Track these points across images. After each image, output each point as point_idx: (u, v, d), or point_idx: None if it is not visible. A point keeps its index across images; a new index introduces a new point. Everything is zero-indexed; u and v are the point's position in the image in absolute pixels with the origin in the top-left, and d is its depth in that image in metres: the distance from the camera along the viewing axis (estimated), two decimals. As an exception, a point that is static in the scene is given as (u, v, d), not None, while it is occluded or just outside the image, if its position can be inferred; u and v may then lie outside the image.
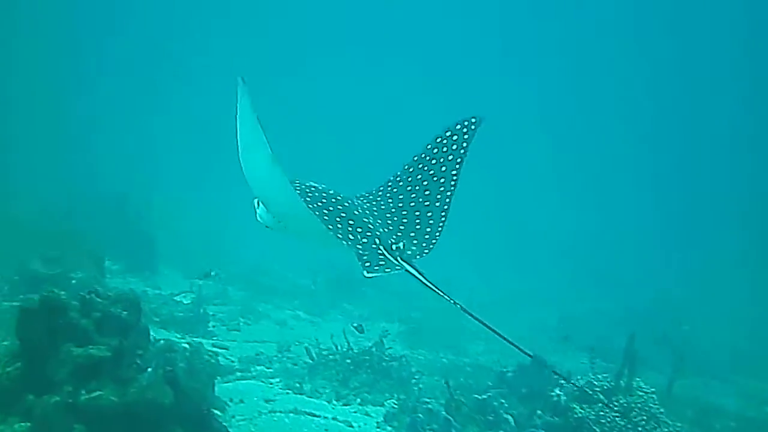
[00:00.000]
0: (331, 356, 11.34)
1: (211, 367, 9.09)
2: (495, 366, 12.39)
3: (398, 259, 5.95)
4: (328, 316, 16.80)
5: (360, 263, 5.89)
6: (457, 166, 6.58)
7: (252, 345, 12.80)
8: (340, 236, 6.04)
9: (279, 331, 14.52)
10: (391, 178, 6.83)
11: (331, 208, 6.18)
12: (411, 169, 6.74)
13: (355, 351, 11.34)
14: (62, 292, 6.09)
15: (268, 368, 11.46)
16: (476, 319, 5.23)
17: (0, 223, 16.79)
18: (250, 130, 5.23)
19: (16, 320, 6.06)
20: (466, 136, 6.64)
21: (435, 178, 6.57)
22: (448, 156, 6.60)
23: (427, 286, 5.52)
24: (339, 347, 11.48)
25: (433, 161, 6.64)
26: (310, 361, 11.34)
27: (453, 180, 6.53)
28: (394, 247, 6.05)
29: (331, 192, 6.39)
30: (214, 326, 13.48)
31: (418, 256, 6.11)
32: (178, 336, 12.22)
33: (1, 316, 10.15)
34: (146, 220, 17.97)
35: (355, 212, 6.29)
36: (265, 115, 4.95)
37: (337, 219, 6.13)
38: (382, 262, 5.91)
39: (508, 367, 10.35)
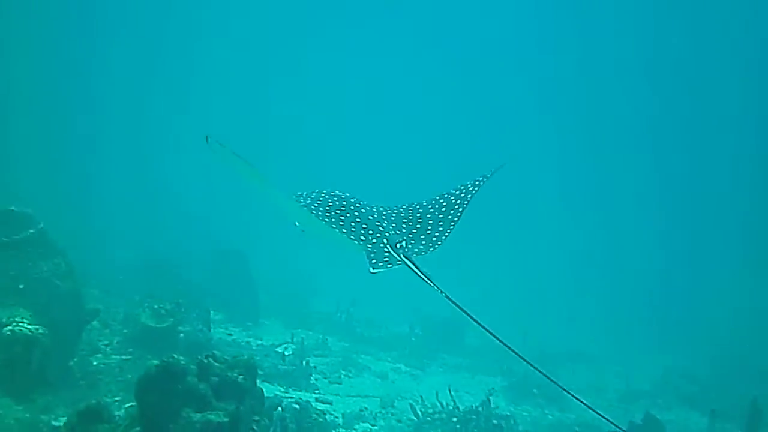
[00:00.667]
0: (436, 414, 11.08)
1: (319, 427, 8.96)
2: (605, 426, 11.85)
3: (400, 255, 6.69)
4: (428, 368, 16.49)
5: (367, 260, 6.70)
6: (474, 192, 7.61)
7: (355, 399, 12.65)
8: (352, 237, 6.94)
9: (380, 384, 14.32)
10: (415, 202, 7.78)
11: (348, 214, 7.15)
12: (436, 197, 7.70)
13: (461, 410, 11.04)
14: (181, 358, 6.04)
15: (372, 425, 11.28)
16: (485, 329, 5.76)
17: (104, 270, 17.40)
18: (247, 176, 6.16)
19: (136, 384, 6.04)
20: (488, 177, 7.72)
21: (453, 199, 7.56)
22: (470, 188, 7.64)
23: (422, 279, 6.15)
24: (444, 405, 11.21)
25: (456, 191, 7.67)
26: (415, 419, 11.10)
27: (467, 200, 7.51)
28: (398, 245, 6.84)
29: (352, 200, 7.37)
30: (316, 379, 13.36)
31: (423, 253, 6.97)
32: (282, 389, 12.19)
33: (112, 370, 10.33)
34: (245, 269, 18.11)
35: (370, 217, 7.22)
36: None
37: (352, 223, 7.07)
38: (386, 259, 6.71)
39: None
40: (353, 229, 7.01)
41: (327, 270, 24.19)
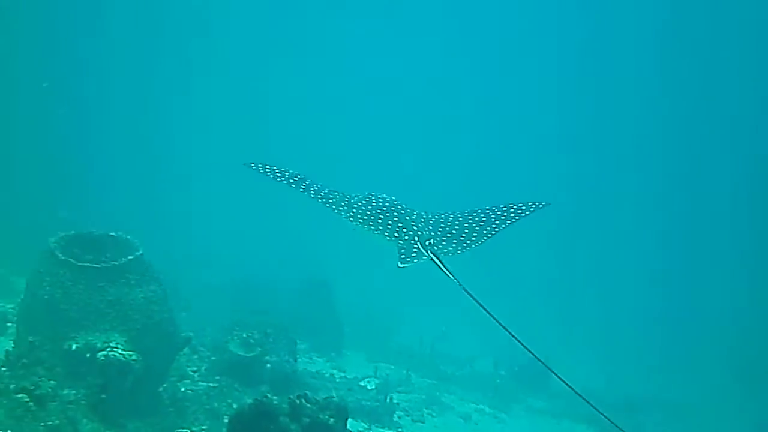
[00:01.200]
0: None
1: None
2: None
3: (428, 251, 7.49)
4: (512, 411, 16.05)
5: (398, 255, 7.52)
6: (515, 220, 8.20)
7: (438, 441, 12.41)
8: (387, 234, 7.87)
9: (463, 426, 14.02)
10: (457, 211, 8.47)
11: (387, 214, 8.12)
12: (477, 210, 8.35)
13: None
14: (274, 398, 5.97)
15: (455, 469, 11.01)
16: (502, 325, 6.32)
17: (192, 291, 17.64)
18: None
19: (229, 422, 6.00)
20: (531, 209, 8.32)
21: (494, 218, 8.14)
22: (511, 215, 8.20)
23: (445, 274, 6.92)
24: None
25: (498, 211, 8.26)
26: (501, 466, 10.79)
27: (506, 225, 8.09)
28: (427, 243, 7.66)
29: (396, 202, 8.35)
30: (399, 417, 13.14)
31: (451, 254, 7.61)
32: (365, 425, 12.05)
33: (199, 398, 10.36)
34: (331, 299, 18.09)
35: (407, 218, 8.14)
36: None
37: (389, 222, 8.00)
38: (414, 254, 7.48)
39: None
40: (389, 227, 7.97)
41: (412, 300, 23.99)
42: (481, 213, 8.31)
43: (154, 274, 8.86)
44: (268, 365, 11.38)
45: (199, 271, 20.26)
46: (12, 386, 7.27)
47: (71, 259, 8.33)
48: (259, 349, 11.38)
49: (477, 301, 6.32)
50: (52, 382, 7.71)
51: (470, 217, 8.26)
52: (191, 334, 9.95)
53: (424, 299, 23.00)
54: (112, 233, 9.05)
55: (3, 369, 7.84)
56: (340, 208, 8.24)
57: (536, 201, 8.45)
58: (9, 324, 11.18)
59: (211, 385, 11.00)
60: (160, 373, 9.03)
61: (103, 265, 8.41)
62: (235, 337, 11.54)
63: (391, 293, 23.34)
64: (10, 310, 12.47)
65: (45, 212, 20.93)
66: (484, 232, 8.01)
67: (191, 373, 11.34)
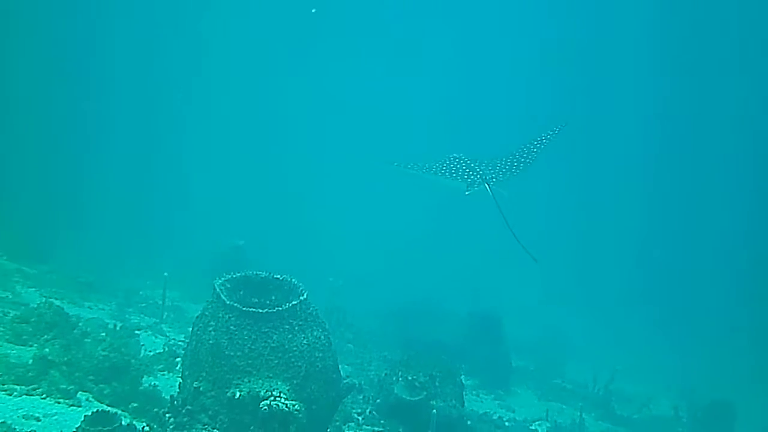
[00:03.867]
0: None
1: None
2: None
3: (487, 184, 12.03)
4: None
5: (466, 187, 12.16)
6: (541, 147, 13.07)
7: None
8: (459, 178, 12.36)
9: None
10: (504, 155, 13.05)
11: (461, 164, 12.62)
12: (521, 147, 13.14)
13: None
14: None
15: None
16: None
17: (354, 321, 17.51)
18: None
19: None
20: (555, 133, 13.25)
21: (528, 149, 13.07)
22: (542, 143, 13.10)
23: (496, 203, 11.70)
24: None
25: (531, 144, 13.12)
26: None
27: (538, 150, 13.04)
28: (488, 177, 12.18)
29: (463, 157, 12.79)
30: (573, 467, 12.31)
31: (500, 180, 12.41)
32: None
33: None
34: (499, 333, 17.39)
35: (472, 164, 12.58)
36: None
37: (462, 168, 12.51)
38: (476, 186, 12.03)
39: None
40: (463, 173, 12.49)
41: (583, 330, 22.96)
42: (522, 148, 13.11)
43: (318, 319, 8.56)
44: (434, 410, 10.86)
45: (362, 294, 20.23)
46: (176, 435, 7.17)
47: (236, 304, 8.17)
48: (425, 393, 10.92)
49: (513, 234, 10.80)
50: (215, 431, 7.59)
51: (516, 153, 13.02)
52: (356, 381, 9.65)
53: (593, 335, 21.98)
54: (277, 276, 8.85)
55: (168, 415, 7.80)
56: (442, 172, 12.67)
57: (556, 127, 13.37)
58: (177, 359, 11.32)
59: (376, 429, 10.68)
60: (323, 421, 8.70)
61: (268, 310, 8.19)
62: (401, 379, 11.13)
63: (557, 327, 22.38)
64: (180, 343, 12.69)
65: (212, 238, 21.70)
66: (525, 160, 12.90)
67: (356, 415, 11.07)
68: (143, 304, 15.98)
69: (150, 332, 13.30)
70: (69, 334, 10.71)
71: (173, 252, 21.72)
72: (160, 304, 15.01)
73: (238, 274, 8.83)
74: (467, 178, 12.25)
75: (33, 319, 10.73)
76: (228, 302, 8.22)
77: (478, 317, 17.45)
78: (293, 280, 8.80)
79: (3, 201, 19.50)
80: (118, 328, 12.11)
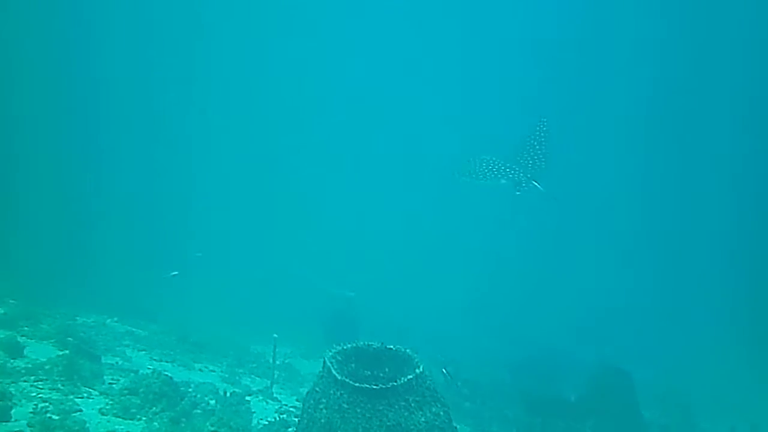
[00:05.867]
0: None
1: None
2: None
3: (531, 181, 13.65)
4: None
5: (514, 188, 13.61)
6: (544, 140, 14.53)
7: None
8: (505, 179, 13.78)
9: None
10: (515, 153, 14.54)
11: (494, 166, 13.96)
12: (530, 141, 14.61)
13: None
14: None
15: None
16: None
17: (471, 372, 16.71)
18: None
19: None
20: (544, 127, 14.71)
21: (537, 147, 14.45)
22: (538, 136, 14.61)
23: (539, 189, 13.52)
24: None
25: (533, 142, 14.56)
26: None
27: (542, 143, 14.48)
28: (529, 176, 13.78)
29: (494, 159, 14.08)
30: None
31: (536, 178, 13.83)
32: None
33: None
34: (632, 390, 16.12)
35: (508, 165, 14.02)
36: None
37: (500, 169, 13.89)
38: (524, 185, 13.68)
39: None
40: (506, 174, 13.83)
41: (712, 380, 21.33)
42: (526, 146, 14.43)
43: (436, 394, 7.86)
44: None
45: (472, 342, 19.44)
46: None
47: (348, 379, 7.57)
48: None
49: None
50: None
51: (530, 148, 14.37)
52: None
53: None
54: (390, 346, 8.23)
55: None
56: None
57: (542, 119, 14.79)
58: (290, 429, 10.80)
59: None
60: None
61: (382, 386, 7.55)
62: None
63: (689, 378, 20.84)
64: (292, 410, 12.20)
65: (319, 287, 21.36)
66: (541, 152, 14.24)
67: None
68: (254, 364, 15.59)
69: (261, 397, 12.82)
70: (177, 405, 10.35)
71: (278, 302, 21.57)
72: (271, 363, 14.59)
73: (349, 346, 8.26)
74: (514, 178, 13.91)
75: (141, 390, 10.43)
76: (339, 377, 7.63)
77: (606, 370, 16.28)
78: (407, 350, 8.16)
79: (109, 262, 19.80)
80: (228, 395, 11.71)
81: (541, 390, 16.18)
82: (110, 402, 10.17)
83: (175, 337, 16.16)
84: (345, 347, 8.24)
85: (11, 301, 15.23)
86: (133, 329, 16.25)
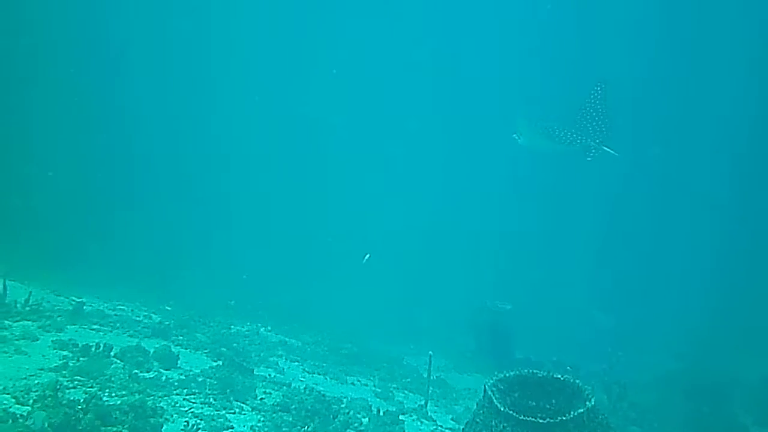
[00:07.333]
0: None
1: None
2: None
3: (601, 146, 14.85)
4: None
5: (585, 151, 14.88)
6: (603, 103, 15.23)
7: None
8: (565, 142, 15.25)
9: None
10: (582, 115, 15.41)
11: (561, 130, 15.23)
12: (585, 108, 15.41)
13: None
14: None
15: None
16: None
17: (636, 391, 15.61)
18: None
19: None
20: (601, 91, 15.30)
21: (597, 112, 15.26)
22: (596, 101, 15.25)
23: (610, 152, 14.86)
24: None
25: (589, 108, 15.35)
26: None
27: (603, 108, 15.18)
28: (599, 141, 14.88)
29: (556, 124, 15.25)
30: None
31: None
32: None
33: None
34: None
35: (570, 131, 15.23)
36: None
37: (566, 134, 15.18)
38: (594, 150, 14.83)
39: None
40: (569, 139, 15.13)
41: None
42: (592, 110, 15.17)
43: (609, 430, 7.06)
44: None
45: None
46: None
47: (512, 411, 6.90)
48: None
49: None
50: None
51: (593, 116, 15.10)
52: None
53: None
54: (558, 375, 7.48)
55: None
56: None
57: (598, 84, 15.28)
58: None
59: None
60: None
61: (550, 420, 6.83)
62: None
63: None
64: (447, 431, 11.63)
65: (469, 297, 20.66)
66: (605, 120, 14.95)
67: None
68: (407, 379, 15.14)
69: (415, 416, 12.28)
70: (329, 424, 10.01)
71: (425, 312, 21.19)
72: (425, 377, 14.11)
73: (512, 374, 7.59)
74: (584, 144, 15.02)
75: (293, 407, 10.18)
76: (502, 409, 6.98)
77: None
78: (577, 382, 7.39)
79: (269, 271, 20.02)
80: (381, 414, 11.26)
81: (708, 408, 15.06)
82: (262, 419, 9.93)
83: (326, 347, 16.00)
84: (507, 375, 7.57)
85: (167, 308, 15.51)
86: (286, 338, 16.21)
